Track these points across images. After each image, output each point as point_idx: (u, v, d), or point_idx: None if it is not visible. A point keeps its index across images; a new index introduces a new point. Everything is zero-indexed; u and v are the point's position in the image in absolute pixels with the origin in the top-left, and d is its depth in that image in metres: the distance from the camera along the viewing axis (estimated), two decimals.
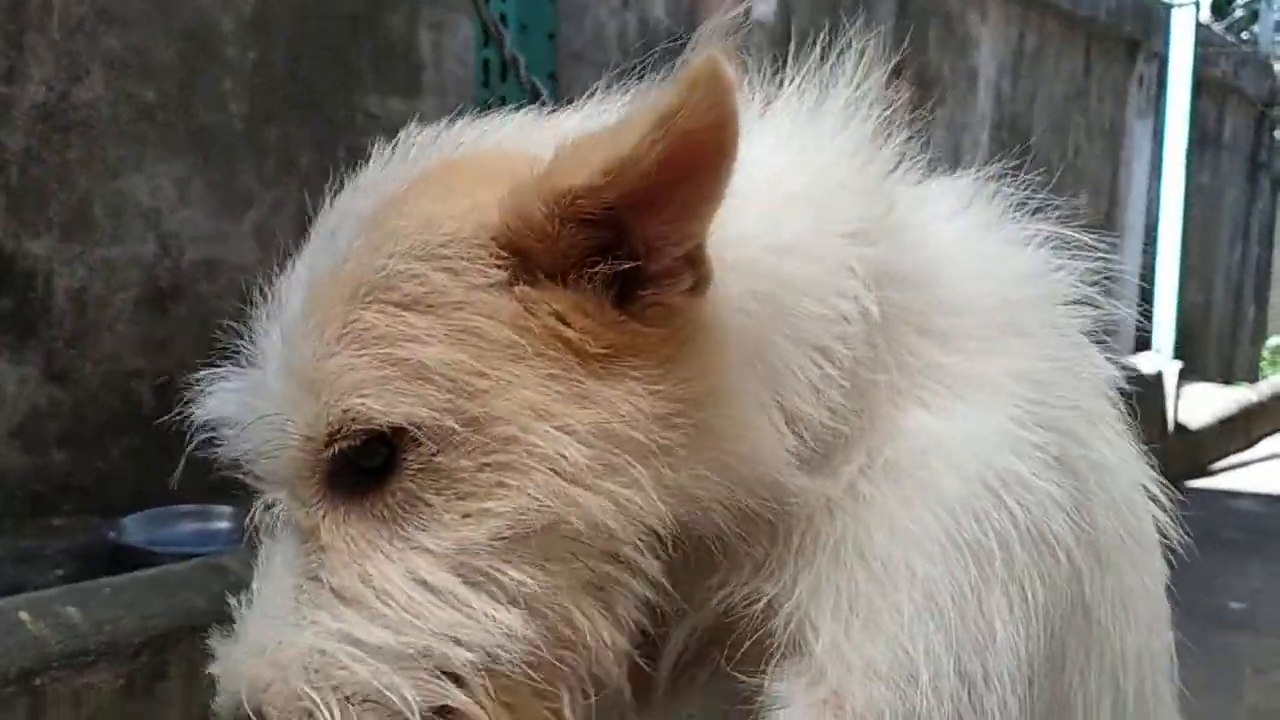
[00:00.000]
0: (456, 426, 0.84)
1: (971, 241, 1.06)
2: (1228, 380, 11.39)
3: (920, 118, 1.06)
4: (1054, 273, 1.08)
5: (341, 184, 1.02)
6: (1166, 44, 8.33)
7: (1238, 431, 9.58)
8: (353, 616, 0.87)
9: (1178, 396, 8.34)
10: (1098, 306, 1.11)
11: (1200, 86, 9.02)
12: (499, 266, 0.87)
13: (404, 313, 0.86)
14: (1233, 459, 9.32)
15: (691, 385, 0.86)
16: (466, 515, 0.85)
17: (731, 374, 0.88)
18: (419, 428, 0.85)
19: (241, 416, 0.95)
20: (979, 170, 1.10)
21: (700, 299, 0.87)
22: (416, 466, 0.86)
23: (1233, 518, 7.62)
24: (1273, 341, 13.22)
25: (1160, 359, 8.26)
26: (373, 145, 1.03)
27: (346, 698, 0.86)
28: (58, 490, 3.84)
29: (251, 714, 0.88)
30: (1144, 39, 8.66)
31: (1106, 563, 1.07)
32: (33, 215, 3.69)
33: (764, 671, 0.96)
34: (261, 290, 0.99)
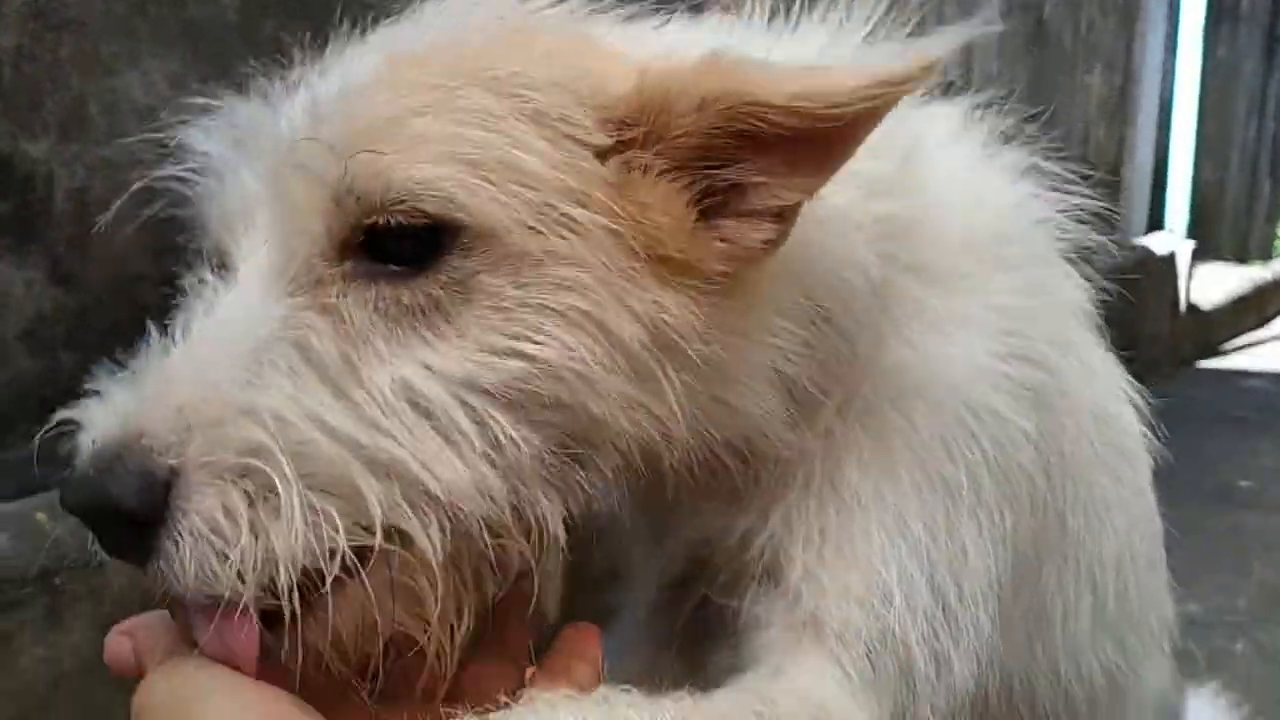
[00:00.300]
0: (523, 250, 0.79)
1: (966, 171, 1.07)
2: (1242, 259, 11.31)
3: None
4: (1042, 201, 1.10)
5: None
6: None
7: (1251, 310, 9.56)
8: (327, 398, 0.77)
9: (1190, 276, 8.29)
10: (1083, 229, 1.15)
11: None
12: (609, 134, 0.83)
13: (518, 119, 0.81)
14: (1245, 338, 9.31)
15: (726, 319, 0.85)
16: (489, 348, 0.80)
17: (757, 321, 0.88)
18: (484, 235, 0.79)
19: (255, 135, 0.87)
20: (983, 76, 1.10)
21: (764, 251, 0.86)
22: (455, 275, 0.80)
23: (1245, 396, 7.65)
24: None
25: (1173, 239, 8.19)
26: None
27: (301, 475, 0.75)
28: (66, 394, 3.85)
29: (146, 463, 0.75)
30: None
31: (1079, 480, 1.12)
32: (28, 116, 3.65)
33: (741, 599, 0.98)
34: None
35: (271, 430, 0.75)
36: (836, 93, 0.78)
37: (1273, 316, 9.99)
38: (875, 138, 0.86)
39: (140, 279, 3.99)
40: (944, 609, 0.94)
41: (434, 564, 0.79)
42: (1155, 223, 8.48)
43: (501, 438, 0.79)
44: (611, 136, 0.83)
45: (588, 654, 0.85)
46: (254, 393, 0.76)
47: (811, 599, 0.93)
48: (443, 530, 0.79)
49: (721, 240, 0.84)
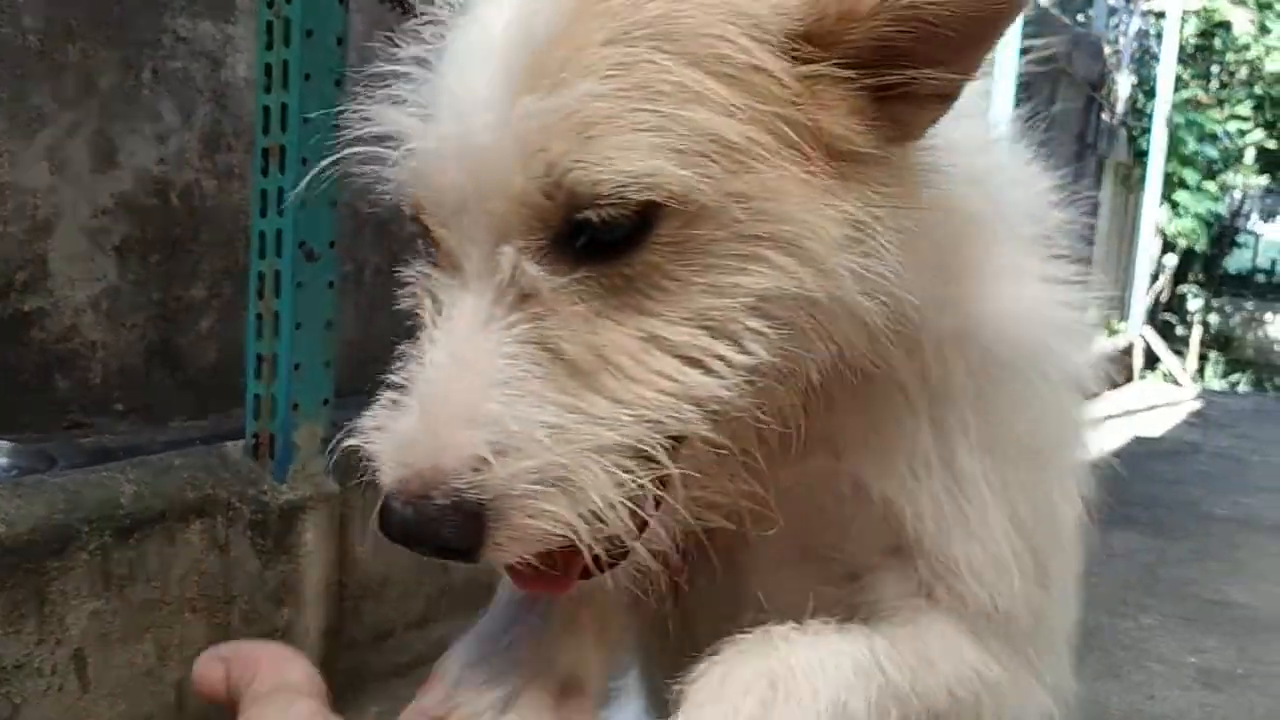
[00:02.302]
0: (721, 200, 0.82)
1: (1017, 162, 1.16)
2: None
3: None
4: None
5: None
6: None
7: None
8: (589, 395, 0.82)
9: None
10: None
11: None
12: (790, 52, 0.85)
13: (690, 69, 0.82)
14: None
15: (899, 210, 0.89)
16: (713, 286, 0.83)
17: (923, 217, 0.91)
18: (691, 205, 0.81)
19: (438, 140, 0.86)
20: None
21: (927, 131, 0.91)
22: (666, 239, 0.82)
23: None
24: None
25: None
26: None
27: (586, 466, 0.82)
28: None
29: (461, 496, 0.80)
30: None
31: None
32: None
33: (854, 553, 1.04)
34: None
35: (551, 447, 0.81)
36: None
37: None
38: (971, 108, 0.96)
39: None
40: (1045, 584, 1.05)
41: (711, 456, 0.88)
42: None
43: (749, 335, 0.84)
44: (790, 57, 0.85)
45: None
46: (528, 410, 0.81)
47: (935, 571, 1.00)
48: (697, 458, 0.87)
49: (894, 123, 0.88)
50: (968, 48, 0.87)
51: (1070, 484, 1.12)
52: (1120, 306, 14.45)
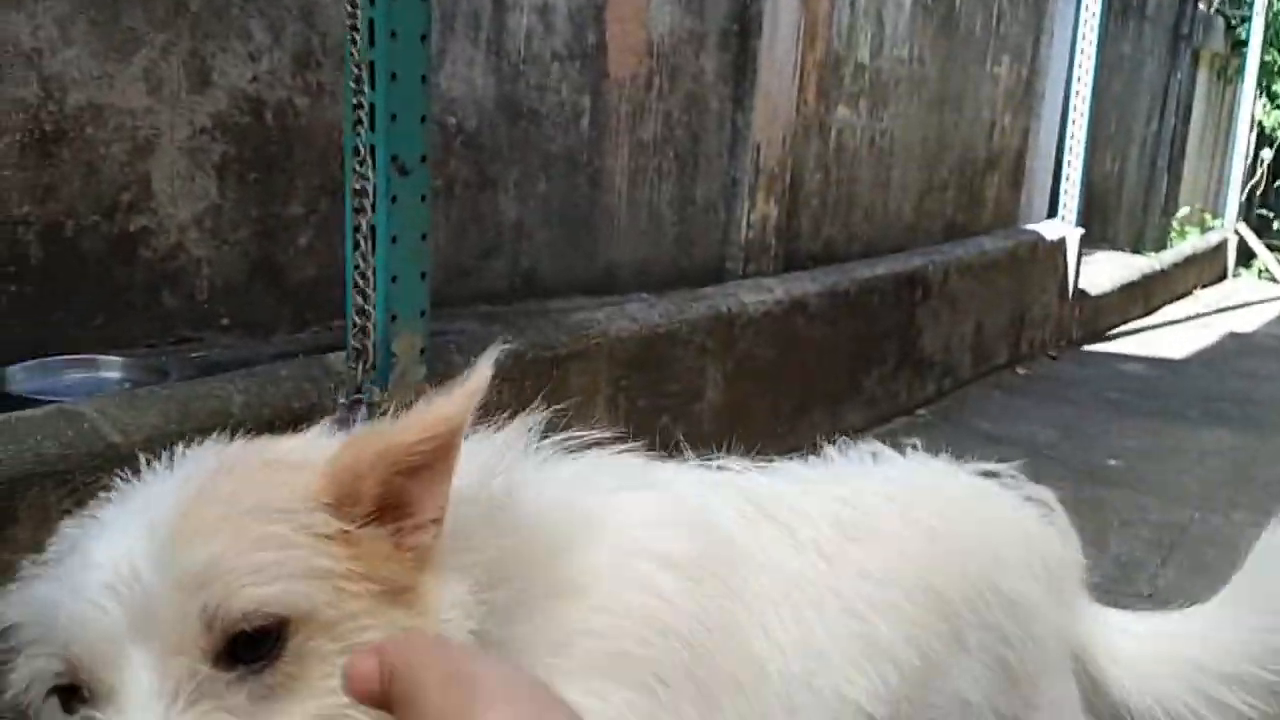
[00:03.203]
0: (332, 615, 1.11)
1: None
2: (1138, 249, 11.65)
3: None
4: None
5: None
6: None
7: (1138, 298, 9.84)
8: None
9: (1079, 262, 8.54)
10: None
11: None
12: (337, 517, 1.16)
13: (287, 529, 1.12)
14: (1131, 325, 9.59)
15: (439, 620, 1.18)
16: (329, 688, 1.08)
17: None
18: (307, 617, 1.09)
19: (98, 600, 1.08)
20: None
21: (434, 548, 1.21)
22: (294, 651, 1.09)
23: (1122, 379, 7.89)
24: (1183, 212, 13.49)
25: (1064, 226, 8.43)
26: None
27: None
28: None
29: None
30: None
31: None
32: None
33: None
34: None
35: None
36: (447, 414, 1.17)
37: (1159, 306, 10.34)
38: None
39: (22, 222, 3.98)
40: None
41: None
42: (1055, 210, 8.72)
43: None
44: (336, 522, 1.15)
45: None
46: None
47: None
48: None
49: (408, 550, 1.18)
50: (440, 481, 1.18)
51: None
52: (1215, 202, 14.02)
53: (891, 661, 1.61)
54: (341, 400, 2.95)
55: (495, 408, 3.83)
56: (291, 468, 1.21)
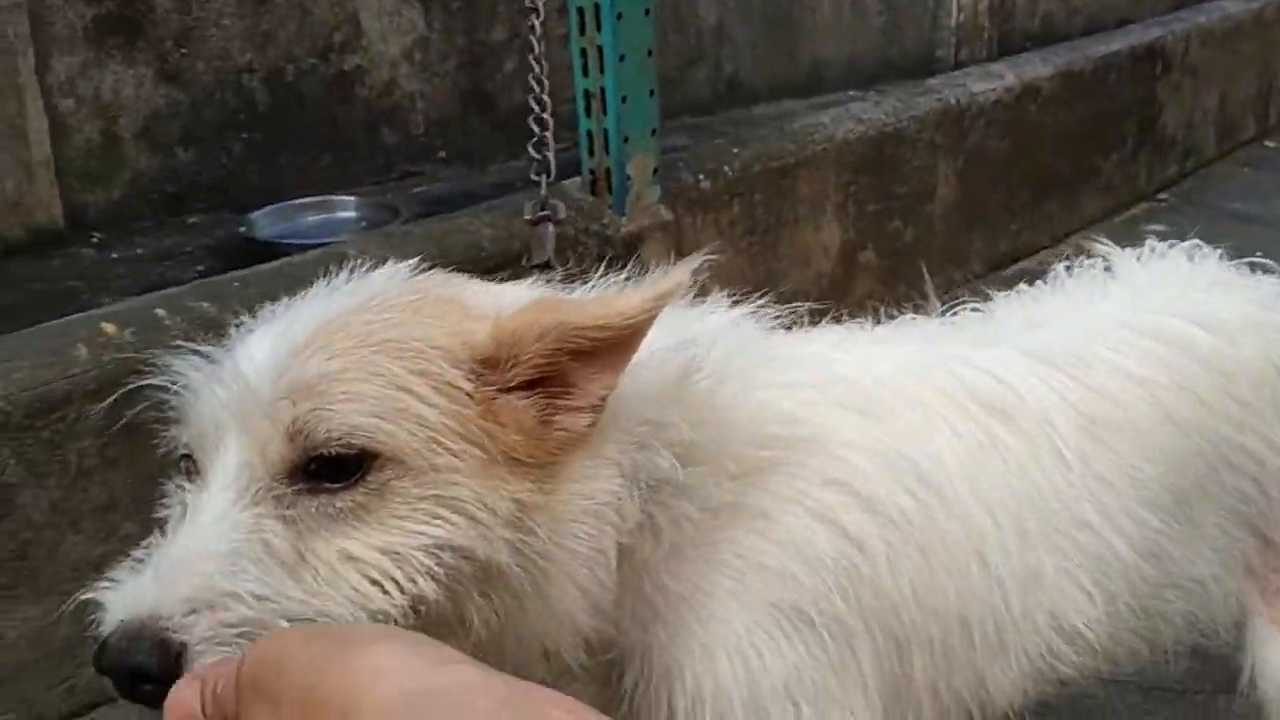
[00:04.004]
0: (419, 464, 1.10)
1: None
2: None
3: None
4: None
5: None
6: None
7: None
8: (287, 580, 1.06)
9: None
10: None
11: None
12: (475, 378, 1.14)
13: (412, 375, 1.12)
14: None
15: (555, 505, 1.17)
16: (402, 528, 1.09)
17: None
18: (395, 458, 1.10)
19: (226, 374, 1.15)
20: None
21: (587, 434, 1.18)
22: (375, 485, 1.09)
23: None
24: None
25: None
26: None
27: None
28: (188, 189, 3.95)
29: (162, 635, 1.01)
30: None
31: None
32: None
33: None
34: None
35: (253, 607, 1.03)
36: (626, 310, 1.13)
37: None
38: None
39: (246, 70, 4.04)
40: None
41: None
42: None
43: (408, 584, 1.09)
44: (476, 380, 1.14)
45: None
46: (237, 581, 1.04)
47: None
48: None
49: (559, 430, 1.16)
50: (610, 366, 1.16)
51: None
52: None
53: (1124, 578, 1.50)
54: (528, 217, 2.89)
55: (728, 224, 3.76)
56: (453, 314, 1.19)
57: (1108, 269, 1.75)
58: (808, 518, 1.30)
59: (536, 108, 2.77)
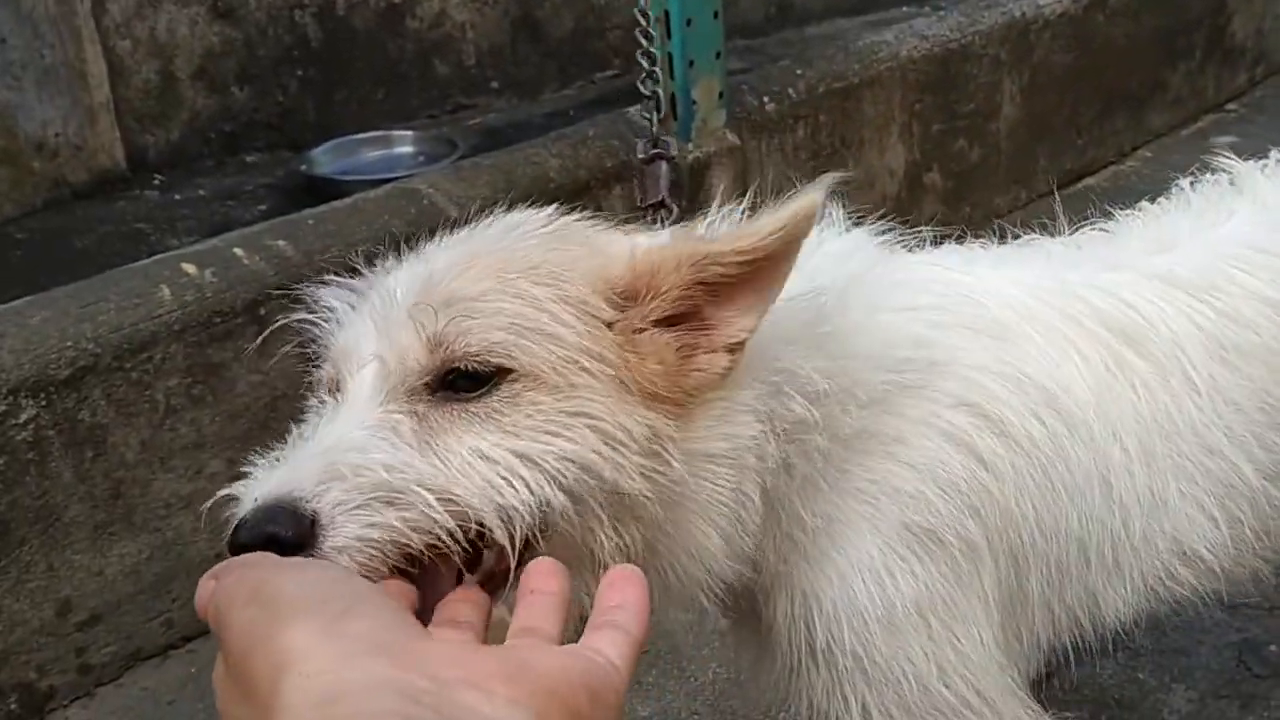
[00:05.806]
0: (556, 380, 1.12)
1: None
2: None
3: None
4: None
5: None
6: None
7: None
8: (418, 461, 1.08)
9: None
10: None
11: None
12: (615, 307, 1.17)
13: (553, 301, 1.14)
14: None
15: (690, 440, 1.18)
16: (536, 437, 1.11)
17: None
18: (530, 374, 1.12)
19: (372, 294, 1.21)
20: None
21: (724, 376, 1.19)
22: (510, 395, 1.12)
23: None
24: None
25: None
26: None
27: (404, 518, 1.05)
28: (245, 127, 3.94)
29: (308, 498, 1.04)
30: None
31: None
32: None
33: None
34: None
35: (384, 474, 1.05)
36: (763, 233, 1.12)
37: None
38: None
39: (298, 6, 4.00)
40: None
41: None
42: None
43: (537, 487, 1.10)
44: (616, 308, 1.16)
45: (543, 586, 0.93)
46: (367, 455, 1.07)
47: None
48: (513, 539, 1.11)
49: (697, 370, 1.17)
50: (750, 309, 1.16)
51: None
52: None
53: (1250, 503, 1.48)
54: (640, 156, 2.83)
55: (792, 148, 3.66)
56: (594, 248, 1.22)
57: (1232, 183, 1.70)
58: (941, 440, 1.30)
59: (644, 41, 2.70)
